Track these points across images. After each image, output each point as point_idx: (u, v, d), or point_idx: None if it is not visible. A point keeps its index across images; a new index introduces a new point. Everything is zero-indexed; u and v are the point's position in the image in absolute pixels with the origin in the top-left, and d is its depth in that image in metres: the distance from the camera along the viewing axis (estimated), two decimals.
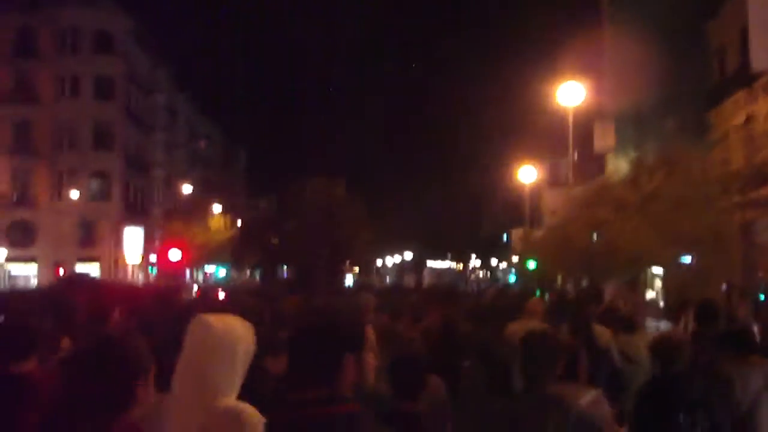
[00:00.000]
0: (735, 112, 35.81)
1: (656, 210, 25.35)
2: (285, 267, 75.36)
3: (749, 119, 34.33)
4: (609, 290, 33.83)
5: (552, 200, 45.46)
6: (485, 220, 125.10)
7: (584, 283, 33.97)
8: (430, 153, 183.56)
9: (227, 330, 3.99)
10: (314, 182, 69.73)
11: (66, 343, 6.73)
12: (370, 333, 8.13)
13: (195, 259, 79.95)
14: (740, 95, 34.87)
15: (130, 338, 4.21)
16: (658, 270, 37.75)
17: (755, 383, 6.91)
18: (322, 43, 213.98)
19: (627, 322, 11.12)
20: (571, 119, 34.61)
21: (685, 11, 40.24)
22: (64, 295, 9.28)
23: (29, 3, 70.58)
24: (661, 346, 6.89)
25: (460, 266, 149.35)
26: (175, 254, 46.45)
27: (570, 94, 34.90)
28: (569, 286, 37.01)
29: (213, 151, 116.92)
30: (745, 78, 34.16)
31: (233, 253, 77.63)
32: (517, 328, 8.42)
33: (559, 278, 41.80)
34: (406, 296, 19.58)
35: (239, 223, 78.95)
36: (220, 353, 3.89)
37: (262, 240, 70.27)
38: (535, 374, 5.44)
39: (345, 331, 3.83)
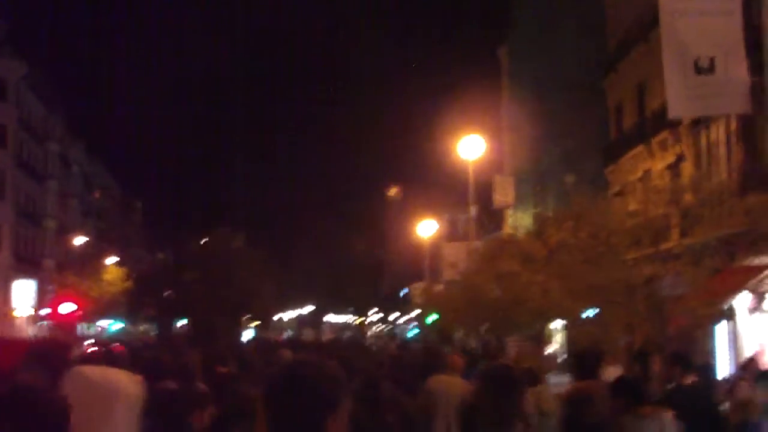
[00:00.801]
0: (633, 167, 36.35)
1: (564, 262, 25.12)
2: (179, 322, 73.39)
3: (646, 175, 34.86)
4: (511, 344, 33.86)
5: (451, 254, 45.32)
6: (386, 274, 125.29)
7: (485, 337, 33.83)
8: (332, 208, 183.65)
9: (105, 382, 3.66)
10: (214, 234, 68.54)
11: None
12: None
13: (89, 313, 77.88)
14: (638, 151, 35.41)
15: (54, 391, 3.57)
16: (556, 324, 37.86)
17: None
18: (223, 84, 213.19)
19: (533, 376, 11.31)
20: (471, 172, 34.57)
21: (584, 67, 40.92)
22: None
23: None
24: (574, 398, 6.64)
25: (360, 320, 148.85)
26: (66, 307, 44.98)
27: (470, 147, 34.89)
28: (471, 341, 36.78)
29: (108, 202, 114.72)
30: (641, 134, 34.75)
31: (128, 305, 75.71)
32: (442, 381, 8.87)
33: (460, 332, 41.53)
34: (308, 351, 18.90)
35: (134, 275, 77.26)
36: (96, 407, 3.50)
37: (159, 292, 68.34)
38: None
39: (332, 389, 3.41)
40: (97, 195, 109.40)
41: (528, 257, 27.14)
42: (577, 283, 23.74)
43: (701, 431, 8.55)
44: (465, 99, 54.62)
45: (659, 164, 33.58)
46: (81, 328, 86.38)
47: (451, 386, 8.55)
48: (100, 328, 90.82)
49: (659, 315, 21.74)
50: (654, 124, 32.57)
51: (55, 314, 49.10)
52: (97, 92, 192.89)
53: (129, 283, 73.97)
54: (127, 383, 3.76)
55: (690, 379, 9.75)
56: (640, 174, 35.66)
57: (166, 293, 66.07)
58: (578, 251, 24.83)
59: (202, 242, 67.61)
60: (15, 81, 72.09)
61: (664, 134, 32.22)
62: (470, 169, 34.51)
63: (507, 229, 46.39)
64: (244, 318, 74.02)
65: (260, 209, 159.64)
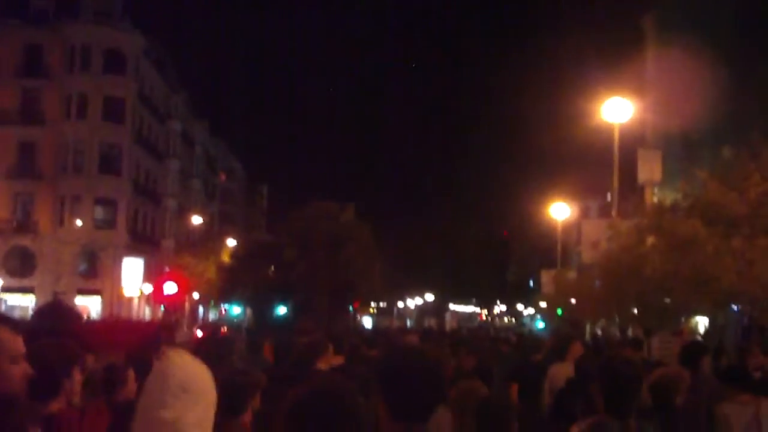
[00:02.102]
0: None
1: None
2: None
3: None
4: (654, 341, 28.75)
5: (592, 232, 40.20)
6: (512, 263, 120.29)
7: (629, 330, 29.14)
8: (456, 192, 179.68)
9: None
10: (320, 206, 64.13)
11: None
12: None
13: (207, 295, 75.91)
14: None
15: None
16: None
17: (744, 420, 7.31)
18: (345, 65, 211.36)
19: None
20: (616, 137, 29.74)
21: (747, 17, 35.89)
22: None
23: (37, 18, 67.25)
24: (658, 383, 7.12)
25: (485, 311, 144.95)
26: (170, 287, 42.04)
27: (615, 110, 30.01)
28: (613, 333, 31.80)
29: (233, 185, 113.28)
30: None
31: (221, 286, 72.63)
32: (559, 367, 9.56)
33: (598, 323, 36.90)
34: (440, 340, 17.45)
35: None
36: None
37: (256, 272, 64.68)
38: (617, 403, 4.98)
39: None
40: (222, 177, 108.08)
41: (715, 218, 19.59)
42: None
43: None
44: (603, 61, 49.83)
45: None
46: (201, 310, 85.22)
47: (561, 371, 9.03)
48: (222, 311, 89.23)
49: None
50: None
51: (158, 294, 46.46)
52: (220, 74, 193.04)
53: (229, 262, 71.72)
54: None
55: None
56: None
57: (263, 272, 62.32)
58: None
59: (306, 214, 63.23)
60: (134, 54, 70.26)
61: None
62: (616, 134, 29.67)
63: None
64: (359, 303, 70.36)
65: (375, 187, 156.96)
